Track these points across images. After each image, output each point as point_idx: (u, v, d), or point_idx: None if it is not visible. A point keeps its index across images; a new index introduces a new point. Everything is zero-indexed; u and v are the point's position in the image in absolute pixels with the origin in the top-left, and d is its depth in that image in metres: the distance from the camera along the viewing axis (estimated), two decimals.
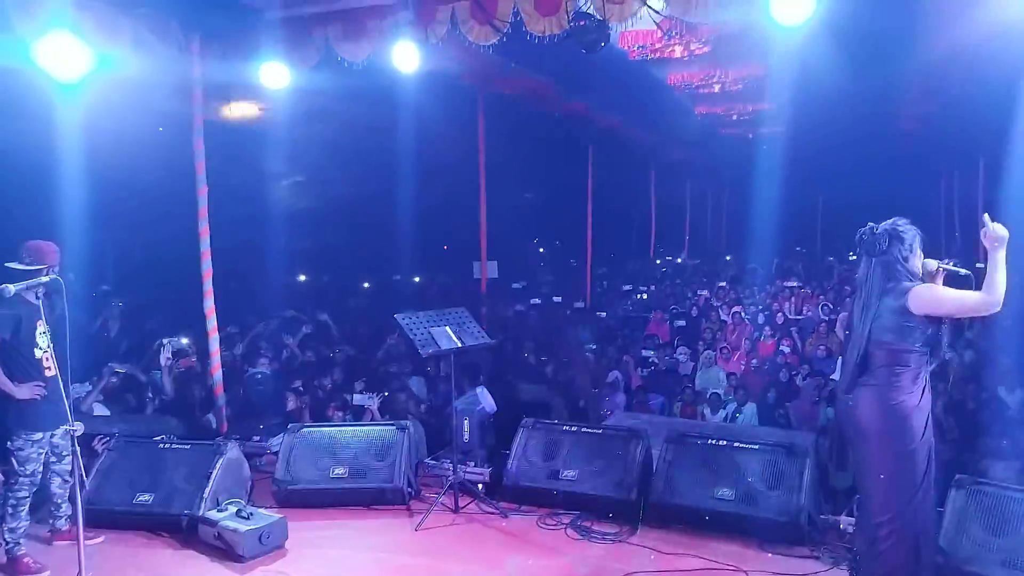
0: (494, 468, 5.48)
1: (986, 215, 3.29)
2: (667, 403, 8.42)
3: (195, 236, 6.39)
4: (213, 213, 6.43)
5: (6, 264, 4.18)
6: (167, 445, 5.26)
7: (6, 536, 4.28)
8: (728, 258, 20.49)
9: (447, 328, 5.19)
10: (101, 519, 4.72)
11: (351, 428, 5.61)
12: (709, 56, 9.34)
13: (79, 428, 3.64)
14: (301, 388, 7.15)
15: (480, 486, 5.38)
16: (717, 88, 11.05)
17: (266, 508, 4.88)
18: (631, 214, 20.00)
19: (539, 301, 14.43)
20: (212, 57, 6.25)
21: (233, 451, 5.16)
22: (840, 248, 18.18)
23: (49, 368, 4.25)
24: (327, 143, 11.40)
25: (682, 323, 11.83)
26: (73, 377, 3.82)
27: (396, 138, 10.26)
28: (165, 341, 6.89)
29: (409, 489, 5.27)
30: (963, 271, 3.45)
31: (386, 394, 6.87)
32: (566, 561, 4.42)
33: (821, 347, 9.22)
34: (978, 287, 3.32)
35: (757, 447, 4.88)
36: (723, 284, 14.23)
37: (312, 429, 5.57)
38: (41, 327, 4.21)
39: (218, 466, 4.94)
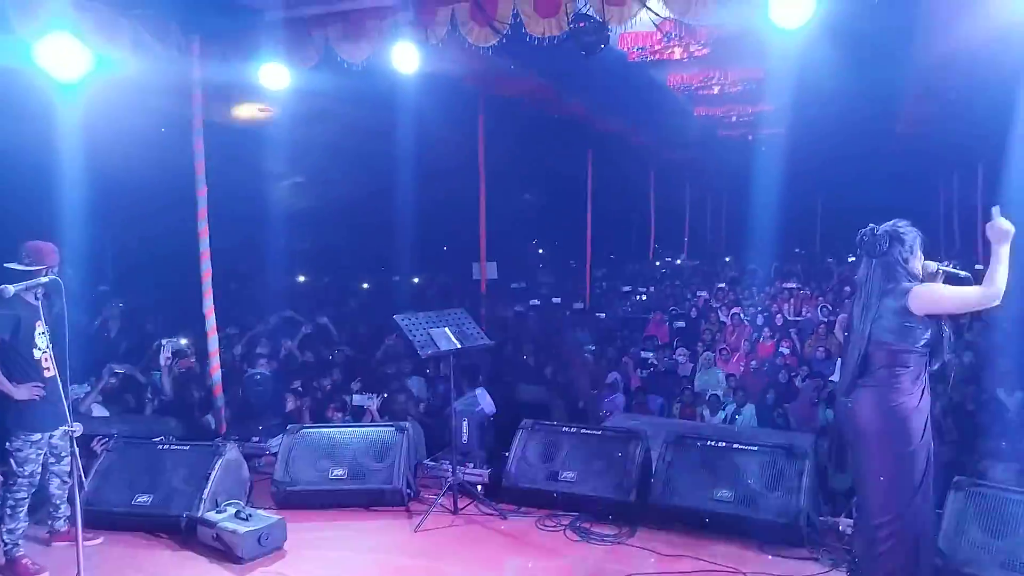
0: (493, 469, 5.47)
1: (995, 208, 3.27)
2: (666, 404, 8.42)
3: (195, 236, 6.39)
4: (212, 213, 6.43)
5: (5, 264, 4.18)
6: (166, 446, 5.25)
7: (4, 537, 4.27)
8: (727, 259, 20.52)
9: (446, 329, 5.19)
10: (100, 520, 4.70)
11: (350, 429, 5.59)
12: (708, 58, 9.34)
13: (78, 429, 3.65)
14: (300, 389, 7.15)
15: (479, 487, 5.37)
16: (716, 90, 11.06)
17: (265, 509, 4.86)
18: (630, 215, 20.04)
19: (538, 302, 14.45)
20: (212, 58, 6.25)
21: (232, 452, 5.15)
22: (839, 249, 18.21)
23: (48, 369, 4.25)
24: (327, 144, 11.42)
25: (681, 324, 11.84)
26: (72, 378, 3.82)
27: (396, 139, 10.28)
28: (164, 341, 6.89)
29: (408, 490, 5.26)
30: (962, 273, 3.46)
31: (385, 395, 6.87)
32: (565, 563, 4.42)
33: (820, 348, 9.23)
34: None
35: (756, 449, 4.88)
36: (722, 285, 14.24)
37: (311, 430, 5.56)
38: (40, 328, 4.21)
39: (217, 467, 4.93)
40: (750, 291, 13.69)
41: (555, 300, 14.73)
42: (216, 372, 6.49)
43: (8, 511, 4.26)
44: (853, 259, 15.45)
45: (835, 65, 8.06)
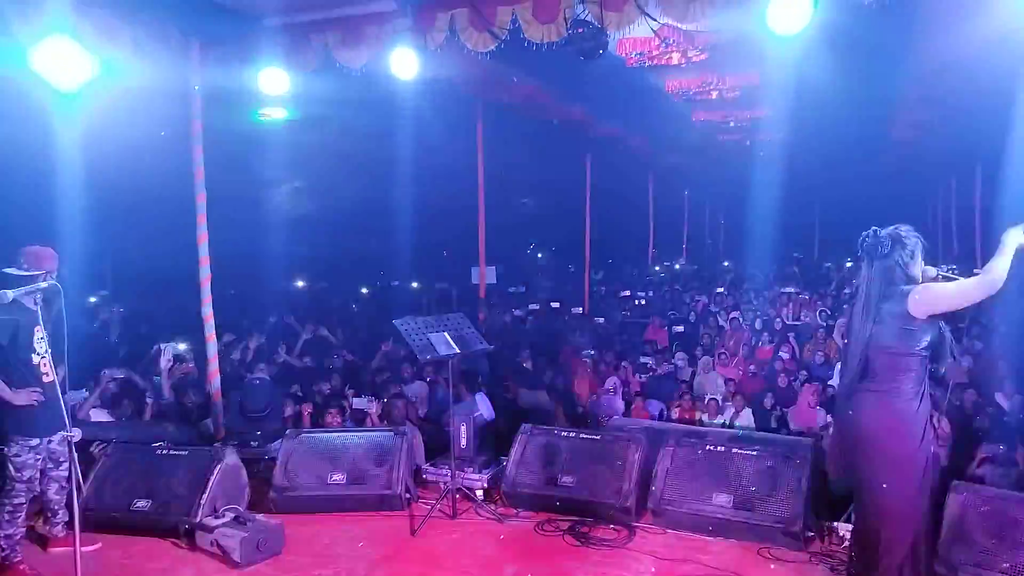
0: (492, 474, 5.47)
1: None
2: (665, 409, 8.42)
3: (193, 242, 6.39)
4: (212, 219, 6.43)
5: (4, 269, 4.18)
6: (165, 451, 5.24)
7: (2, 543, 4.25)
8: (726, 264, 20.56)
9: (445, 334, 5.19)
10: (98, 525, 4.70)
11: (349, 434, 5.59)
12: (706, 63, 9.37)
13: (76, 434, 3.64)
14: (300, 394, 7.14)
15: (478, 492, 5.37)
16: (715, 95, 11.06)
17: (264, 514, 4.86)
18: (629, 220, 20.05)
19: (537, 307, 14.45)
20: (212, 63, 6.27)
21: (231, 457, 5.14)
22: (838, 254, 18.25)
23: (47, 374, 4.24)
24: (326, 149, 11.43)
25: (680, 329, 11.86)
26: (71, 383, 3.82)
27: (395, 144, 10.29)
28: (162, 345, 6.88)
29: (407, 495, 5.26)
30: (962, 279, 3.47)
31: (385, 400, 6.86)
32: (564, 568, 4.41)
33: (819, 353, 9.24)
34: None
35: (755, 453, 4.88)
36: (721, 290, 14.25)
37: (310, 435, 5.55)
38: (39, 333, 4.20)
39: (216, 472, 4.92)
40: (749, 295, 13.71)
41: (554, 305, 14.74)
42: (215, 377, 6.48)
43: (6, 516, 4.25)
44: (851, 264, 15.52)
45: (832, 71, 8.09)
